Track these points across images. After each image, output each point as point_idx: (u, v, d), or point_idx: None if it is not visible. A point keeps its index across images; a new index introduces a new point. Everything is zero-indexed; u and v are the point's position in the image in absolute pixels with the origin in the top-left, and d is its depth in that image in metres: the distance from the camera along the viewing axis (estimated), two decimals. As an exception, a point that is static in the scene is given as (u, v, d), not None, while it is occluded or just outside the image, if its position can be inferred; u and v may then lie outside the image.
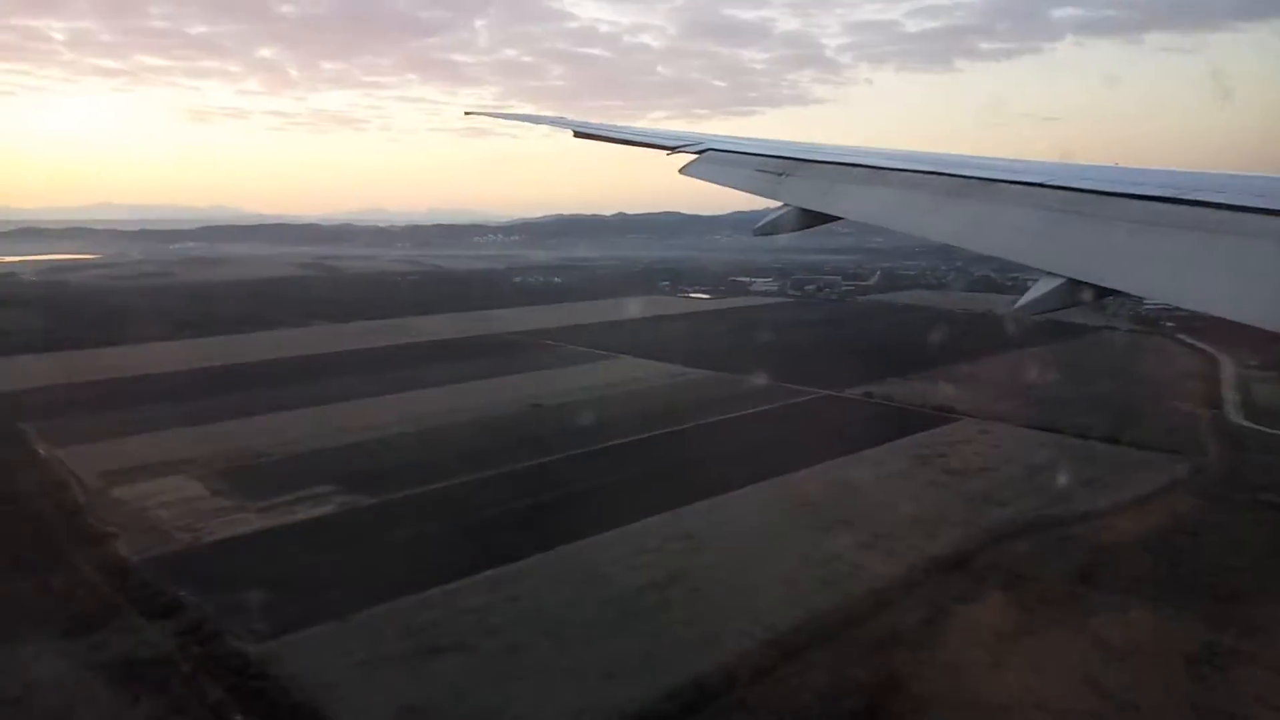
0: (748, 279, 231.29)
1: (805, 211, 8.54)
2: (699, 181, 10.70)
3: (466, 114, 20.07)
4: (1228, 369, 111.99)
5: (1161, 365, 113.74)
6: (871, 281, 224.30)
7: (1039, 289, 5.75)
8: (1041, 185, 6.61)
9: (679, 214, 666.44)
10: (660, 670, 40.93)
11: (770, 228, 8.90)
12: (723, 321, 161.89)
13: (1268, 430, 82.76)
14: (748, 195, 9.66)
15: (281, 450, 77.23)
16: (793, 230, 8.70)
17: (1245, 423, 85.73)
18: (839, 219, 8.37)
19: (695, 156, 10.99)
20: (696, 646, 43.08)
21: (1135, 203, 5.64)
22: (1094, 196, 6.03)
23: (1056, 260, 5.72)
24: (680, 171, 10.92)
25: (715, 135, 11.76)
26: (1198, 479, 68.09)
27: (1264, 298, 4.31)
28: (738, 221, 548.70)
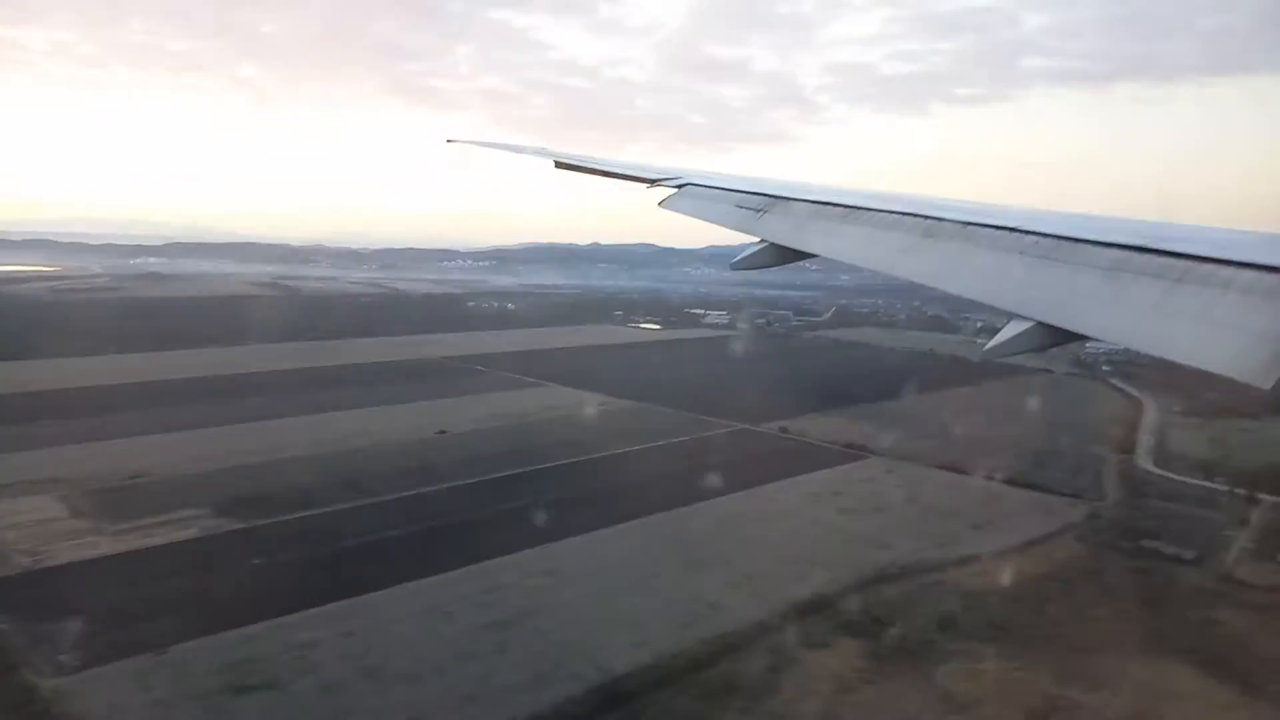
0: (702, 311, 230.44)
1: (781, 248, 8.59)
2: (677, 215, 10.82)
3: (449, 142, 19.01)
4: (1151, 414, 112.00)
5: (1087, 409, 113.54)
6: (825, 317, 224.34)
7: (1008, 331, 5.71)
8: (1014, 230, 6.60)
9: (654, 246, 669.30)
10: (471, 716, 38.79)
11: (747, 263, 8.98)
12: (664, 353, 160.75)
13: (1173, 476, 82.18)
14: (723, 230, 9.79)
15: (163, 471, 74.41)
16: (769, 265, 8.77)
17: (1153, 468, 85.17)
18: (815, 256, 8.44)
19: (675, 190, 11.06)
20: (519, 690, 40.97)
21: (1105, 250, 5.66)
22: (1065, 243, 6.05)
23: (1026, 303, 5.71)
24: (660, 205, 10.98)
25: (695, 170, 11.83)
26: (1089, 524, 67.08)
27: (1225, 347, 4.30)
28: (712, 255, 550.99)
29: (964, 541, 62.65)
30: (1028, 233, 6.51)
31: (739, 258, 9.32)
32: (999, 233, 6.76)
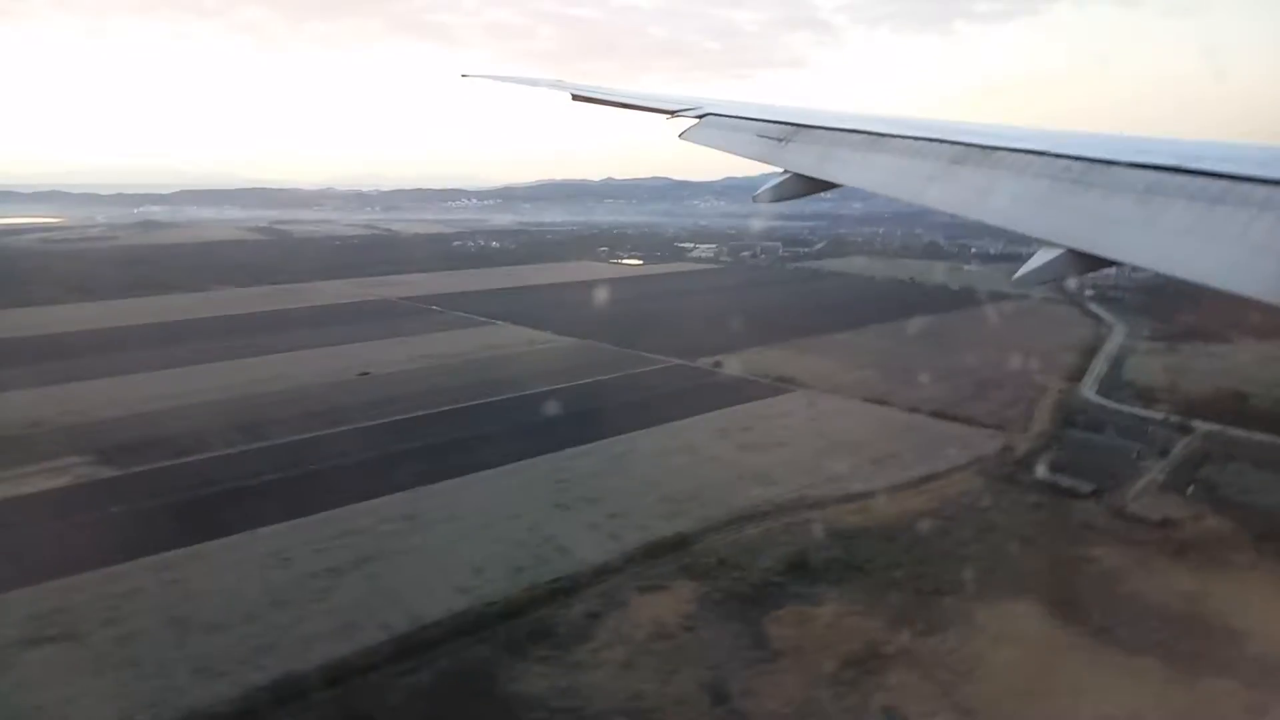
0: (691, 245, 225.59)
1: (805, 178, 8.37)
2: (694, 148, 10.49)
3: (463, 77, 18.60)
4: (1116, 340, 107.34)
5: (1049, 335, 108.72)
6: (817, 247, 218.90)
7: (1038, 259, 5.57)
8: (1043, 154, 6.39)
9: (668, 179, 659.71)
10: (260, 667, 37.43)
11: (770, 194, 8.70)
12: (632, 288, 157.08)
13: (1112, 405, 78.41)
14: (741, 161, 9.56)
15: (62, 419, 73.58)
16: (792, 197, 8.51)
17: (1094, 397, 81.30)
18: (840, 186, 8.17)
19: (696, 121, 10.67)
20: (319, 640, 39.52)
21: (1137, 172, 5.41)
22: (1096, 166, 5.79)
23: (1056, 230, 5.52)
24: (680, 136, 10.59)
25: (715, 99, 11.45)
26: (1000, 457, 63.93)
27: (1264, 270, 4.18)
28: (729, 187, 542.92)
29: (859, 477, 59.97)
30: (1058, 156, 6.21)
31: (762, 189, 8.97)
32: (1028, 157, 6.50)
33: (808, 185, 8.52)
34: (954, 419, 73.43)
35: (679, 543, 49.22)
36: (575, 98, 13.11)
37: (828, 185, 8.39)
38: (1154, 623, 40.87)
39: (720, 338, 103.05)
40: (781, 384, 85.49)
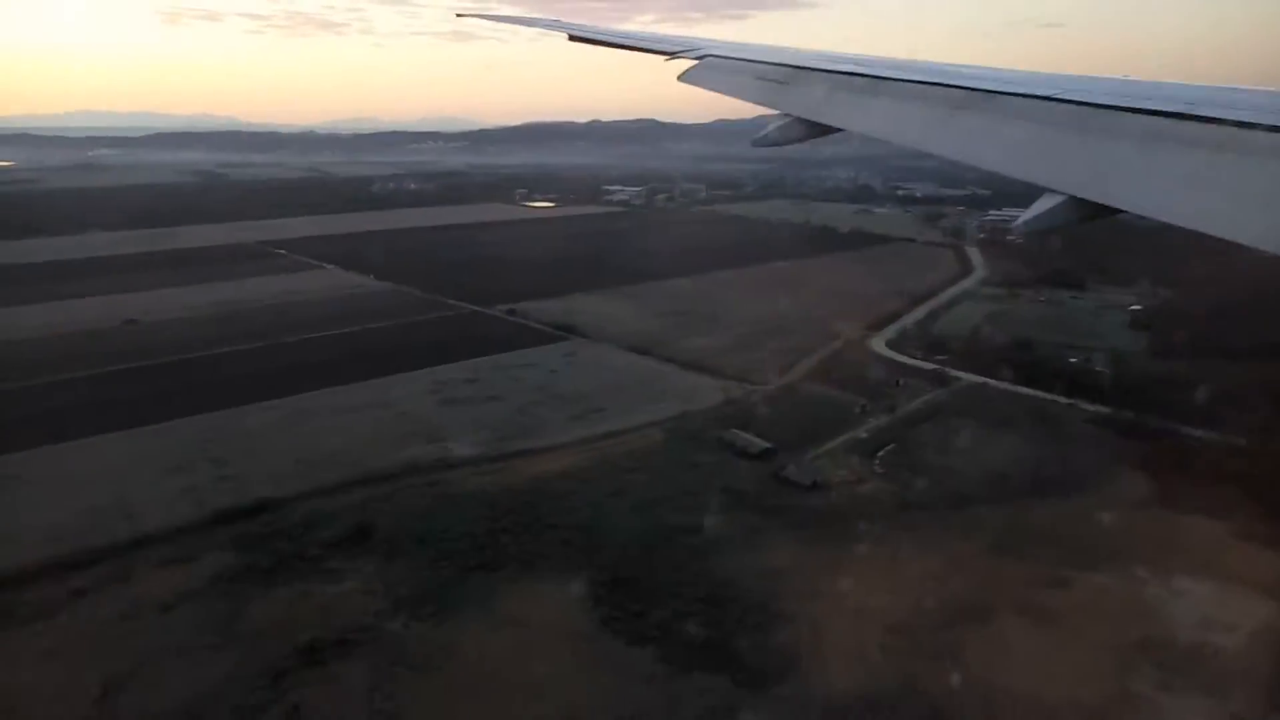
0: (618, 187, 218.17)
1: (806, 122, 8.05)
2: (691, 89, 10.29)
3: (458, 16, 19.36)
4: (961, 286, 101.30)
5: (893, 281, 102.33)
6: (746, 190, 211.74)
7: (1040, 206, 5.38)
8: (1045, 98, 6.19)
9: (654, 121, 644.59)
10: None
11: (771, 138, 8.33)
12: (506, 232, 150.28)
13: (887, 355, 72.97)
14: (736, 104, 9.45)
15: None
16: (793, 141, 8.18)
17: (878, 348, 75.69)
18: (840, 130, 7.86)
19: (694, 63, 10.48)
20: None
21: (1141, 118, 5.28)
22: (1100, 111, 5.66)
23: (1058, 177, 5.42)
24: (679, 78, 10.44)
25: (714, 41, 11.30)
26: (707, 413, 58.84)
27: (1266, 219, 4.10)
28: (715, 131, 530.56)
29: (541, 433, 55.37)
30: (1061, 101, 6.01)
31: (762, 133, 8.49)
32: (1031, 102, 6.27)
33: (808, 129, 8.17)
34: (703, 370, 68.39)
35: (257, 509, 44.64)
36: (572, 38, 12.75)
37: (829, 129, 8.04)
38: (696, 607, 36.20)
39: (542, 283, 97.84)
40: (559, 332, 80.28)
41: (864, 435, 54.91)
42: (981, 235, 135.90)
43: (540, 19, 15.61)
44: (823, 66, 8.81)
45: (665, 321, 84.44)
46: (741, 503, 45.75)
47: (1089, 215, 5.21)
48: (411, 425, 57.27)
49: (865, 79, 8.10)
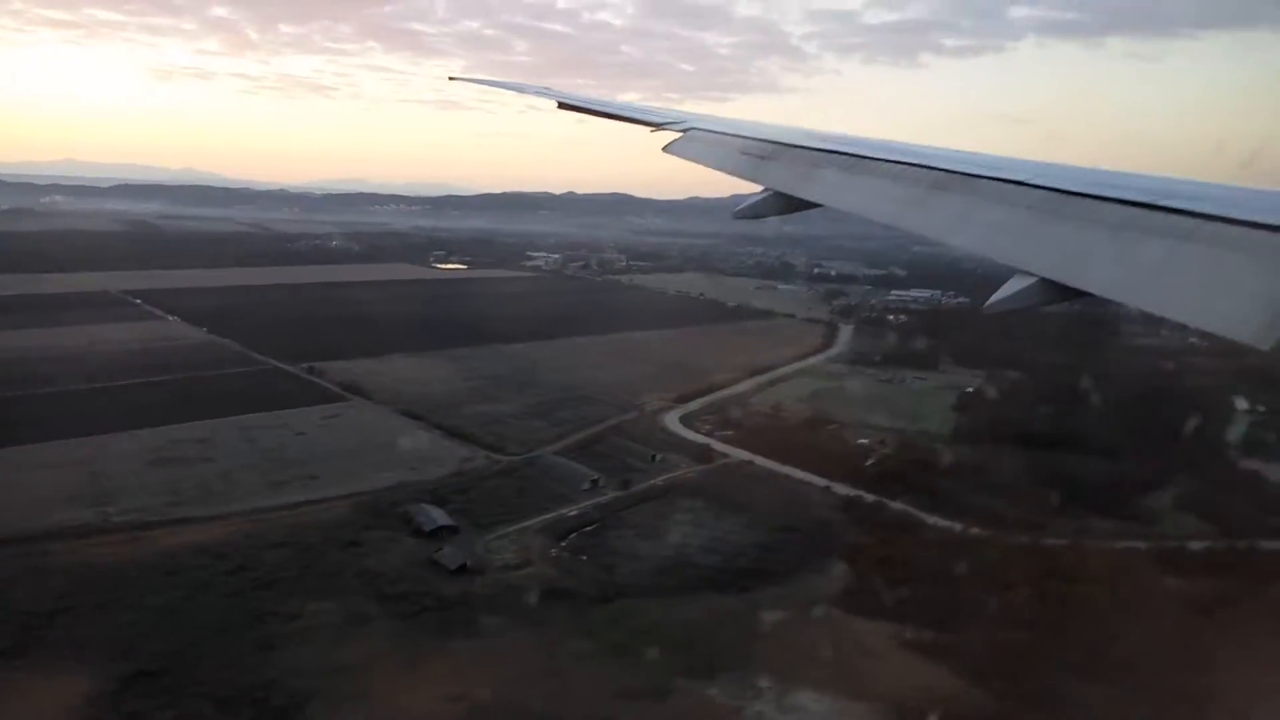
0: (541, 254, 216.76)
1: (786, 196, 8.18)
2: (681, 165, 10.37)
3: (450, 79, 18.84)
4: (811, 361, 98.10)
5: (743, 355, 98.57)
6: (667, 262, 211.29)
7: (1010, 287, 5.50)
8: (1022, 184, 6.32)
9: (627, 195, 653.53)
10: None
11: (750, 211, 8.53)
12: (385, 291, 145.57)
13: (677, 431, 68.73)
14: (711, 181, 10.25)
15: None
16: (772, 214, 8.40)
17: (669, 423, 71.46)
18: (819, 206, 8.01)
19: (679, 135, 10.46)
20: None
21: (1111, 206, 5.47)
22: (1072, 198, 5.82)
23: (1031, 259, 5.56)
24: (664, 149, 10.33)
25: (700, 115, 11.53)
26: (423, 484, 54.17)
27: (1226, 306, 4.26)
28: (684, 207, 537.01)
29: (221, 501, 50.86)
30: (1036, 187, 6.16)
31: (741, 206, 8.71)
32: (1007, 186, 6.39)
33: (787, 204, 8.15)
34: (463, 438, 64.00)
35: None
36: (562, 105, 12.86)
37: (808, 205, 8.06)
38: (208, 709, 31.00)
39: (370, 342, 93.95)
40: (344, 393, 75.90)
41: (572, 513, 50.35)
42: (869, 313, 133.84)
43: (530, 85, 15.81)
44: (804, 144, 8.89)
45: (469, 386, 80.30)
46: (369, 587, 40.83)
47: (1056, 297, 5.30)
48: (91, 486, 52.28)
49: (846, 157, 8.16)
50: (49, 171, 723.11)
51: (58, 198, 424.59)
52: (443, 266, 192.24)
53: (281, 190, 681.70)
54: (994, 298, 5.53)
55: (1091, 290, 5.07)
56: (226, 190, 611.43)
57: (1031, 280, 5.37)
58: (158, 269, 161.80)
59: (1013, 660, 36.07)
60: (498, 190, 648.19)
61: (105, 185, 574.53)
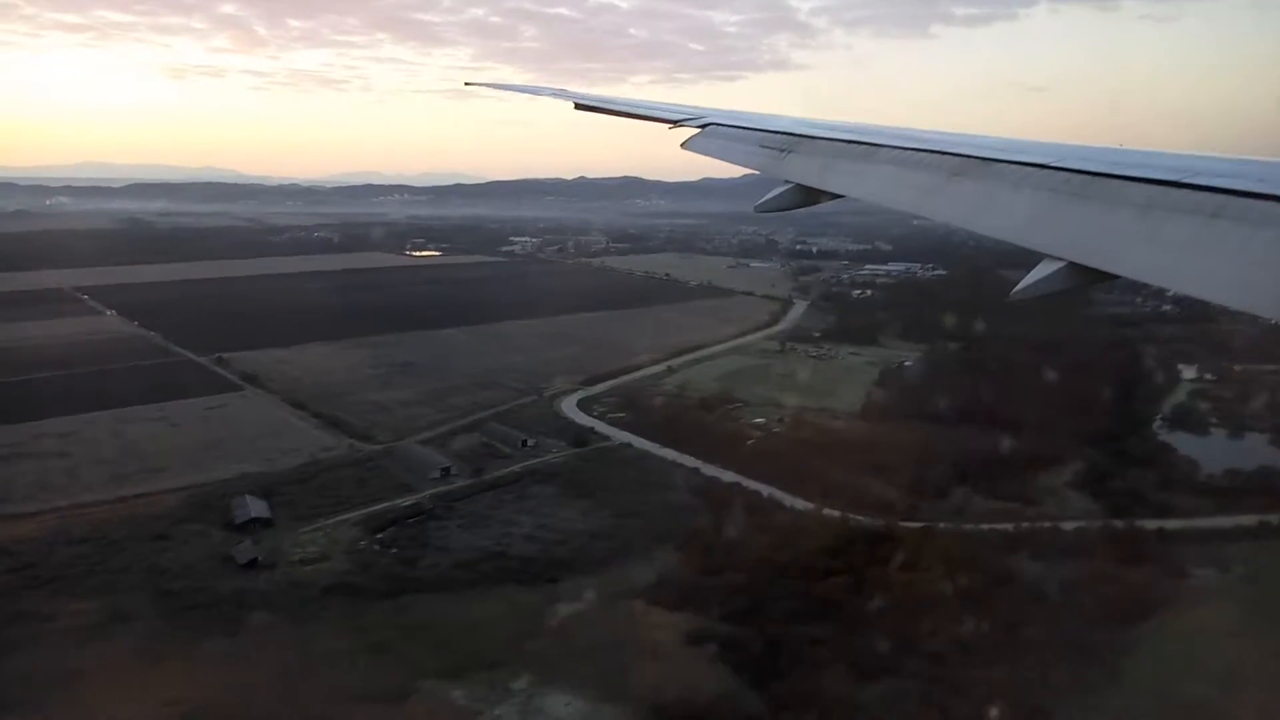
0: (523, 238, 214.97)
1: (806, 189, 8.19)
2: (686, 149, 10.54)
3: (466, 85, 17.99)
4: (747, 339, 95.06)
5: (677, 335, 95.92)
6: (650, 243, 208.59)
7: (1038, 272, 5.41)
8: (1043, 166, 6.21)
9: (637, 178, 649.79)
10: None
11: (772, 204, 8.35)
12: (339, 280, 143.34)
13: (569, 415, 66.27)
14: (725, 164, 9.78)
15: None
16: (793, 207, 8.30)
17: (564, 407, 69.01)
18: (840, 196, 7.99)
19: (698, 130, 10.48)
20: None
21: (1138, 186, 5.35)
22: (1097, 179, 5.70)
23: (1057, 244, 5.47)
24: (683, 146, 10.47)
25: (717, 109, 11.44)
26: (269, 475, 52.26)
27: (1262, 285, 4.19)
28: (696, 189, 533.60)
29: (50, 496, 49.55)
30: (1059, 169, 6.04)
31: (763, 200, 8.55)
32: (1029, 169, 6.26)
33: (808, 195, 8.09)
34: (337, 426, 62.14)
35: None
36: (579, 106, 12.87)
37: (829, 196, 8.03)
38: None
39: (290, 331, 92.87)
40: (240, 383, 74.44)
41: (406, 504, 48.13)
42: (835, 289, 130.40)
43: (546, 88, 15.65)
44: (822, 135, 8.85)
45: (373, 373, 78.46)
46: (149, 584, 38.94)
47: (1085, 281, 5.22)
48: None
49: (864, 146, 8.05)
50: (66, 175, 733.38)
51: (63, 199, 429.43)
52: (416, 254, 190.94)
53: (293, 184, 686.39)
54: (1021, 284, 5.42)
55: (1121, 273, 5.01)
56: (238, 186, 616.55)
57: (1059, 265, 5.29)
58: (126, 265, 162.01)
59: (800, 657, 33.34)
60: (508, 178, 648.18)
61: (118, 185, 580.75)
